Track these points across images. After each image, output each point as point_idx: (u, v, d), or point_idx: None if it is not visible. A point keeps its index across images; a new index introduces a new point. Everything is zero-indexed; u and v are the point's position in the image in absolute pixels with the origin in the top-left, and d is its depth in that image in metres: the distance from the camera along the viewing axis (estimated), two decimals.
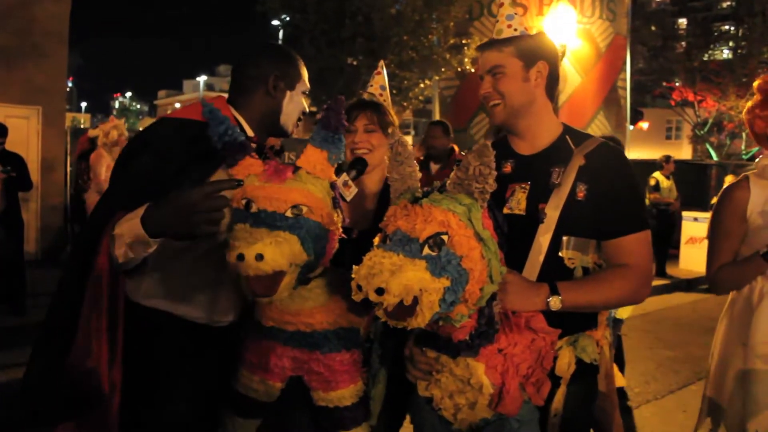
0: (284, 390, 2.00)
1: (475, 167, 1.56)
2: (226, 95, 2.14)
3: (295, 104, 2.13)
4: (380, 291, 1.41)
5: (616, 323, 4.12)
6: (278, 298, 1.67)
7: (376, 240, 1.63)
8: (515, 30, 2.01)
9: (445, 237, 1.51)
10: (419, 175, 1.72)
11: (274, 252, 1.56)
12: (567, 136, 2.03)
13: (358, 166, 2.16)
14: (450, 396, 1.78)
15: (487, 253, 1.57)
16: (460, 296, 1.53)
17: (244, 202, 1.68)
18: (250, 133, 2.07)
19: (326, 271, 1.86)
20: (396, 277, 1.42)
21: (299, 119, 2.18)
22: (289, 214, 1.66)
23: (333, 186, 1.79)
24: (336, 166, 1.82)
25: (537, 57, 2.01)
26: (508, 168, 2.03)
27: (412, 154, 1.73)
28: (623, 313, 4.19)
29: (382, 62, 2.56)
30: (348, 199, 2.09)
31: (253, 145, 2.04)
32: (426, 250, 1.49)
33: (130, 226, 1.73)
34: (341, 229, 1.82)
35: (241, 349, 2.00)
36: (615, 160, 1.98)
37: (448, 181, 1.61)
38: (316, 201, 1.71)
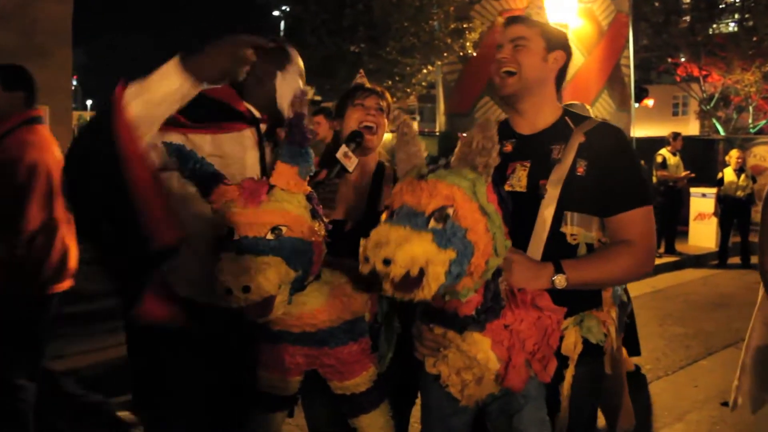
0: (303, 381, 2.07)
1: (478, 141, 1.58)
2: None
3: (288, 84, 2.20)
4: (387, 262, 1.43)
5: (623, 307, 4.14)
6: (275, 315, 1.72)
7: (383, 217, 1.66)
8: (543, 19, 2.10)
9: (450, 210, 1.54)
10: (425, 154, 1.75)
11: (260, 281, 1.60)
12: (566, 117, 2.07)
13: (357, 139, 2.23)
14: (457, 372, 1.80)
15: (491, 226, 1.59)
16: (466, 269, 1.56)
17: (225, 230, 1.72)
18: (258, 115, 2.18)
19: (320, 272, 1.91)
20: (402, 248, 1.44)
21: (299, 99, 2.21)
22: (270, 236, 1.69)
23: (309, 198, 1.83)
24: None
25: (558, 45, 2.08)
26: (509, 147, 2.05)
27: (417, 135, 1.77)
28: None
29: (362, 71, 2.63)
30: (351, 169, 2.15)
31: (263, 126, 2.18)
32: (432, 223, 1.52)
33: (160, 87, 1.88)
34: (331, 224, 1.88)
35: (255, 353, 2.04)
36: (614, 137, 2.02)
37: (453, 157, 1.64)
38: (293, 218, 1.74)
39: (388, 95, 2.47)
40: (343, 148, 2.15)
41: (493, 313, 1.72)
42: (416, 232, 1.49)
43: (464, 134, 2.39)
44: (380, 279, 1.49)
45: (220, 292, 1.61)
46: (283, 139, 1.82)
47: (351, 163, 2.15)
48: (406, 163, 1.74)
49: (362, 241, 1.51)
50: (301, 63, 2.26)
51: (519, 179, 2.00)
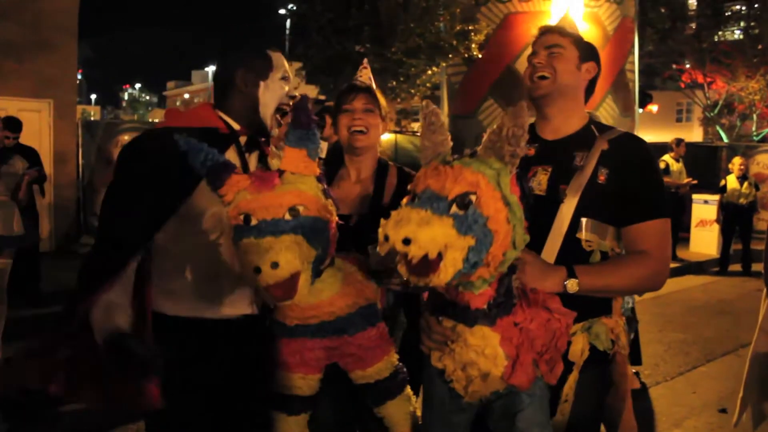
0: (322, 380, 2.06)
1: (509, 128, 1.57)
2: (210, 101, 2.19)
3: (272, 92, 2.15)
4: (407, 241, 1.43)
5: (629, 323, 4.16)
6: (299, 297, 1.72)
7: (404, 200, 1.65)
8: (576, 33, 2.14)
9: (473, 197, 1.53)
10: (450, 143, 1.74)
11: (287, 256, 1.62)
12: (592, 126, 2.09)
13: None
14: (463, 368, 1.79)
15: (512, 218, 1.58)
16: (483, 258, 1.55)
17: (242, 217, 1.72)
18: (237, 128, 2.12)
19: (333, 259, 1.92)
20: (423, 229, 1.44)
21: (286, 104, 2.19)
22: (287, 217, 1.71)
23: (319, 179, 1.84)
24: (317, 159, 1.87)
25: (591, 57, 2.13)
26: (531, 151, 2.06)
27: (444, 124, 1.76)
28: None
29: (365, 60, 2.60)
30: (323, 155, 2.13)
31: (243, 138, 2.13)
32: (454, 209, 1.51)
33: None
34: (337, 218, 1.87)
35: (273, 353, 2.03)
36: (637, 148, 2.04)
37: (479, 147, 1.63)
38: (309, 198, 1.76)
39: (379, 93, 2.45)
40: None
41: (504, 309, 1.71)
42: (437, 216, 1.48)
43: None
44: (396, 261, 1.49)
45: (248, 272, 1.63)
46: (289, 123, 1.83)
47: (322, 149, 2.13)
48: (432, 151, 1.73)
49: (382, 221, 1.50)
50: (285, 65, 2.19)
51: (539, 183, 2.02)
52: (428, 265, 1.46)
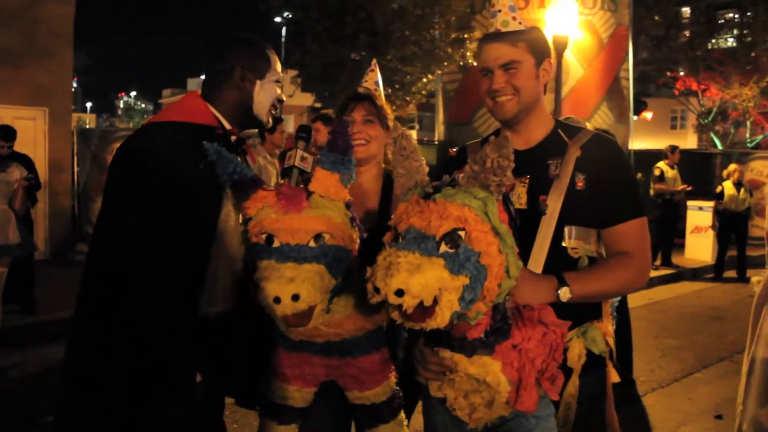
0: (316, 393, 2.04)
1: (494, 159, 1.51)
2: (198, 91, 2.15)
3: (267, 93, 2.13)
4: (400, 293, 1.36)
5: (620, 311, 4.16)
6: (312, 323, 1.68)
7: (387, 238, 1.60)
8: (520, 23, 2.00)
9: (462, 233, 1.46)
10: (426, 169, 1.69)
11: (309, 289, 1.57)
12: (559, 130, 2.06)
13: (302, 134, 2.03)
14: (465, 396, 1.73)
15: (504, 247, 1.52)
16: (479, 293, 1.49)
17: (264, 236, 1.66)
18: (228, 126, 2.09)
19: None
20: (415, 276, 1.37)
21: (275, 107, 2.18)
22: (312, 244, 1.65)
23: (348, 205, 1.77)
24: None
25: (545, 54, 2.03)
26: None
27: (416, 148, 1.71)
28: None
29: (374, 60, 2.57)
30: (309, 170, 2.04)
31: (233, 138, 2.09)
32: (443, 248, 1.44)
33: None
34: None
35: (271, 362, 2.01)
36: (609, 150, 2.02)
37: (461, 175, 1.56)
38: (336, 226, 1.70)
39: (382, 100, 2.41)
40: (299, 153, 1.98)
41: (501, 334, 1.65)
42: (427, 258, 1.41)
43: (454, 149, 2.35)
44: (390, 308, 1.44)
45: (266, 300, 1.57)
46: (325, 146, 1.77)
47: (309, 164, 2.06)
48: (407, 179, 1.67)
49: (369, 270, 1.46)
50: (279, 68, 2.17)
51: (519, 196, 1.98)
52: (424, 311, 1.41)
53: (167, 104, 2.16)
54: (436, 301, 1.41)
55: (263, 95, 2.13)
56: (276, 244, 1.65)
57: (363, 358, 1.93)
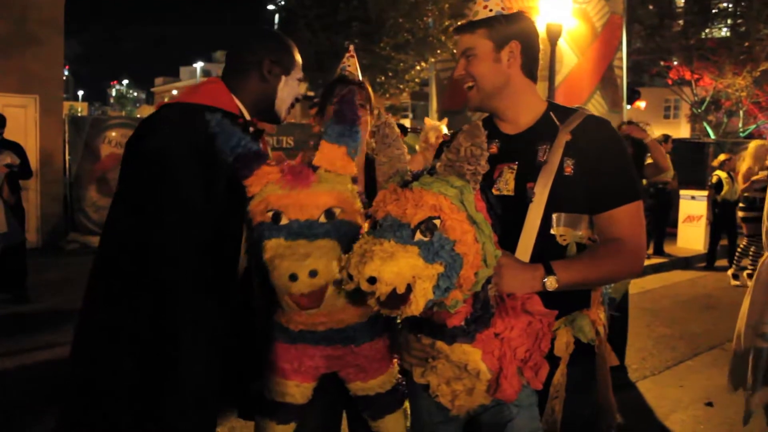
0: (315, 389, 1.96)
1: (467, 148, 1.50)
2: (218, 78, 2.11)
3: (290, 89, 2.13)
4: (372, 280, 1.36)
5: (611, 302, 4.16)
6: (322, 306, 1.63)
7: (365, 226, 1.58)
8: (490, 11, 1.98)
9: (437, 221, 1.46)
10: (408, 157, 1.68)
11: (326, 264, 1.51)
12: (551, 113, 2.00)
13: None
14: (447, 382, 1.73)
15: (480, 236, 1.52)
16: (455, 282, 1.48)
17: (270, 214, 1.60)
18: (248, 117, 2.06)
19: None
20: (388, 264, 1.36)
21: (292, 105, 2.18)
22: (322, 219, 1.60)
23: (354, 180, 1.73)
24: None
25: (509, 37, 1.96)
26: (494, 149, 1.99)
27: (399, 137, 1.69)
28: (619, 290, 4.23)
29: (351, 46, 2.55)
30: None
31: (252, 129, 2.00)
32: (418, 236, 1.44)
33: None
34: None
35: (269, 357, 1.93)
36: (602, 132, 1.96)
37: (438, 163, 1.55)
38: (346, 200, 1.65)
39: (368, 87, 2.40)
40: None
41: (482, 323, 1.64)
42: (402, 246, 1.41)
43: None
44: (367, 296, 1.43)
45: (281, 279, 1.51)
46: (331, 117, 1.71)
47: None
48: (388, 167, 1.66)
49: (343, 257, 1.45)
50: (300, 62, 2.16)
51: (506, 182, 1.94)
52: (398, 298, 1.40)
53: (187, 88, 2.12)
54: (410, 289, 1.40)
55: (287, 91, 2.12)
56: (284, 221, 1.59)
57: (366, 345, 1.87)
